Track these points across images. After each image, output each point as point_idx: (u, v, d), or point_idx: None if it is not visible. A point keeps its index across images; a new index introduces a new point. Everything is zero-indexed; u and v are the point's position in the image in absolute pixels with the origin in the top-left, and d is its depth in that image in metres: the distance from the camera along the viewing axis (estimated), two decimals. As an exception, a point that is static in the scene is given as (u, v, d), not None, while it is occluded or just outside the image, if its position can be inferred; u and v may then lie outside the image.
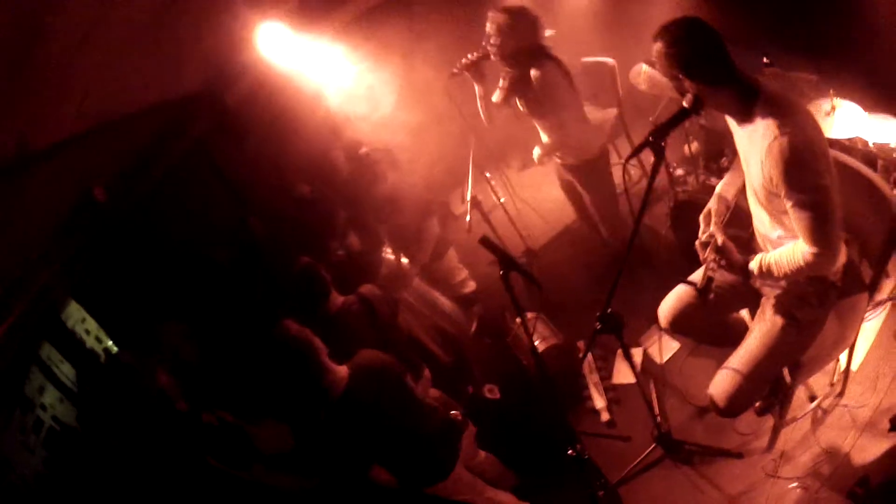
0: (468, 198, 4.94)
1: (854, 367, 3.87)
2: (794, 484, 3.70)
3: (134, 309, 5.24)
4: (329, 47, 5.35)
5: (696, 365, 4.51)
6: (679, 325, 3.61)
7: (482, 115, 4.67)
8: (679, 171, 5.62)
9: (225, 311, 4.86)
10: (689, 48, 2.63)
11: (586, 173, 4.81)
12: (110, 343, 5.73)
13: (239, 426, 4.23)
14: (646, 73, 5.02)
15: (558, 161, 4.87)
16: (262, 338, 3.56)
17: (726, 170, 4.72)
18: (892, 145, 4.17)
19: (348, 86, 5.30)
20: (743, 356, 3.17)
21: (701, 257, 3.04)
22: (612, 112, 5.64)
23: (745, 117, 2.70)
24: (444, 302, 5.48)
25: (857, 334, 3.29)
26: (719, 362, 4.08)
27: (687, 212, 4.77)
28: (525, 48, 4.25)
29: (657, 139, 2.67)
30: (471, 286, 5.68)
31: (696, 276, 3.36)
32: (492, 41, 4.21)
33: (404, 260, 5.39)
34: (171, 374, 4.42)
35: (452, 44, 5.35)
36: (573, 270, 5.59)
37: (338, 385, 3.51)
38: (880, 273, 3.19)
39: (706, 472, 4.09)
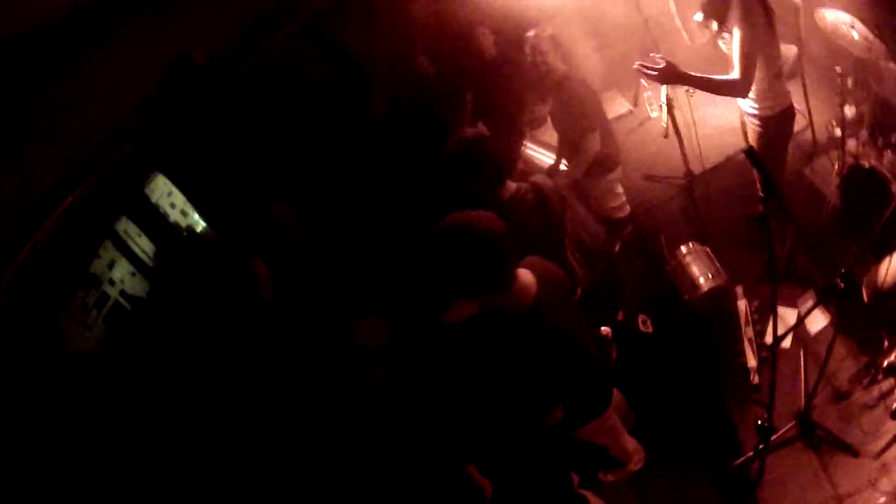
0: (663, 100, 4.50)
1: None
2: (883, 500, 3.57)
3: (228, 184, 4.94)
4: None
5: (845, 345, 4.14)
6: (879, 302, 3.47)
7: (683, 33, 4.46)
8: (838, 132, 4.99)
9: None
10: None
11: (761, 129, 4.24)
12: (196, 217, 5.42)
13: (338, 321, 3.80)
14: (830, 20, 4.51)
15: (741, 105, 4.33)
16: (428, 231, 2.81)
17: None
18: None
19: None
20: None
21: None
22: (792, 50, 5.24)
23: None
24: (587, 217, 5.04)
25: None
26: (864, 346, 4.06)
27: (858, 179, 4.47)
28: None
29: None
30: (626, 210, 5.23)
31: None
32: None
33: (563, 166, 5.01)
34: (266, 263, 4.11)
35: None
36: (732, 205, 5.15)
37: (527, 296, 2.80)
38: None
39: (826, 463, 3.88)
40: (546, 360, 2.81)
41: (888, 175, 4.27)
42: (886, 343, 3.88)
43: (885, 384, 3.86)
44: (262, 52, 5.03)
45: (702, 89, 4.03)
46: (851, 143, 4.79)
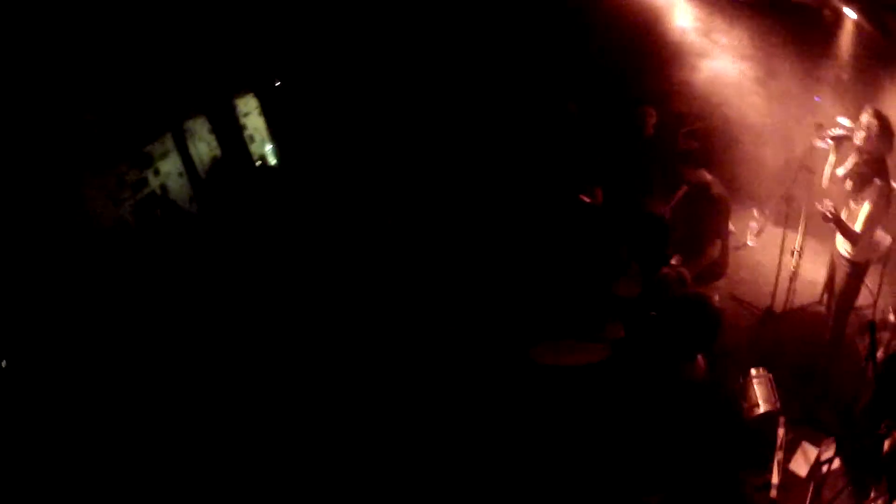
0: (797, 248, 5.13)
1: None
2: None
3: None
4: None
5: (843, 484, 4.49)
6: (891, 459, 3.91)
7: (824, 177, 5.05)
8: (892, 318, 5.62)
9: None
10: None
11: (850, 269, 5.06)
12: (267, 149, 5.27)
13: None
14: None
15: (839, 247, 5.14)
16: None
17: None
18: None
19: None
20: None
21: None
22: (888, 240, 5.67)
23: None
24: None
25: None
26: (859, 488, 4.30)
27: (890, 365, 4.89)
28: (878, 156, 4.67)
29: None
30: None
31: None
32: (859, 134, 4.71)
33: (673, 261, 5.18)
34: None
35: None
36: (796, 346, 5.47)
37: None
38: None
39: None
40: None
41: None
42: (874, 493, 4.26)
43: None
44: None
45: (838, 229, 4.83)
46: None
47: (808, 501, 4.37)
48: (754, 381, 4.76)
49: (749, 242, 6.31)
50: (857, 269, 5.06)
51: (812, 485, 4.44)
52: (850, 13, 6.97)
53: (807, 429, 4.77)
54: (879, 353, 5.26)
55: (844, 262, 5.06)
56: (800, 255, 5.10)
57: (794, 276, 5.17)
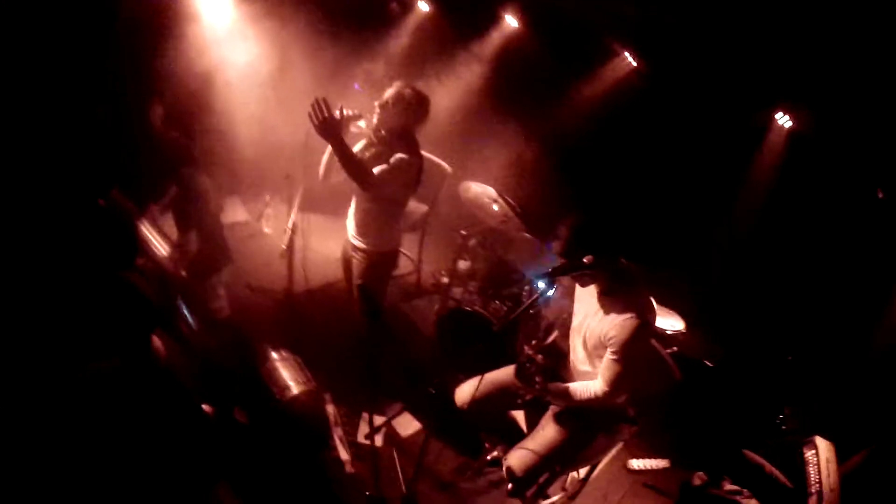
0: (290, 225, 4.88)
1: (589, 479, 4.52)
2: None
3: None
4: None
5: (441, 445, 4.75)
6: (473, 411, 4.10)
7: (321, 168, 4.42)
8: (445, 280, 5.96)
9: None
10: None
11: (369, 263, 4.59)
12: None
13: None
14: (475, 192, 5.49)
15: (352, 239, 4.65)
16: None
17: (507, 297, 5.39)
18: (668, 331, 5.53)
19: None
20: (539, 441, 3.89)
21: (525, 374, 3.72)
22: (423, 209, 6.03)
23: (609, 289, 3.60)
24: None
25: (610, 452, 4.24)
26: (461, 446, 4.75)
27: (452, 320, 5.36)
28: (403, 131, 4.23)
29: (553, 276, 3.54)
30: (224, 312, 5.29)
31: (504, 374, 4.10)
32: (383, 109, 4.18)
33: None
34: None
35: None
36: (327, 323, 5.54)
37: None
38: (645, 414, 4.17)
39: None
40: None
41: (491, 318, 5.09)
42: (487, 444, 4.63)
43: (495, 475, 4.49)
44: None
45: (345, 166, 4.07)
46: (458, 291, 5.67)
47: (398, 465, 4.48)
48: (277, 363, 4.63)
49: (265, 230, 6.39)
50: (375, 261, 4.59)
51: (394, 450, 4.61)
52: (424, 5, 7.55)
53: (368, 397, 4.71)
54: (436, 311, 5.67)
55: (359, 255, 4.58)
56: (292, 233, 4.86)
57: (286, 254, 4.98)
